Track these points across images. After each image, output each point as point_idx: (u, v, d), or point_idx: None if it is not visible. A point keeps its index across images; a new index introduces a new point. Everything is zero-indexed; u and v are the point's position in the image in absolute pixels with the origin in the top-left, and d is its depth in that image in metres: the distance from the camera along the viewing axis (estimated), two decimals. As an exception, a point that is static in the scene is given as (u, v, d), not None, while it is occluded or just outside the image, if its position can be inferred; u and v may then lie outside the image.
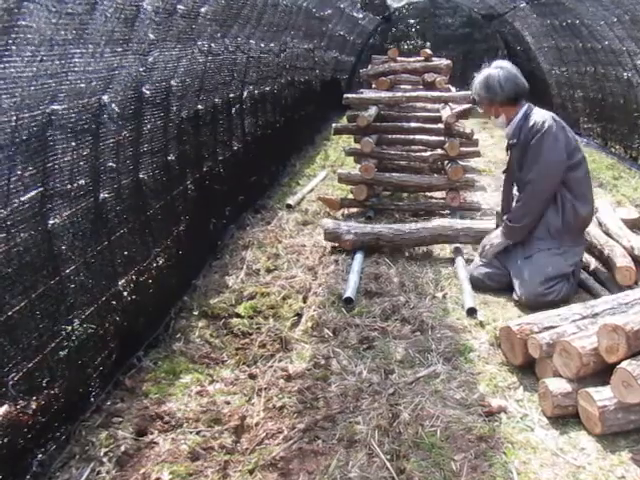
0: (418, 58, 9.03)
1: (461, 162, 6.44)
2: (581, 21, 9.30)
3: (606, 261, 4.23)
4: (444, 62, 8.55)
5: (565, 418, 2.86)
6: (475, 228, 4.87)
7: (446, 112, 6.46)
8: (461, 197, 6.14)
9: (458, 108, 6.41)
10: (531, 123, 4.13)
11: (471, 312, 3.92)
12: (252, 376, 3.30)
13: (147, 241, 3.71)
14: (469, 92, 6.80)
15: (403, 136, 6.95)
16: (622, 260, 4.02)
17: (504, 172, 4.57)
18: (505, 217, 4.29)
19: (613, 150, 9.23)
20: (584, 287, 4.17)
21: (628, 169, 8.11)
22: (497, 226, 4.49)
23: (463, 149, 6.35)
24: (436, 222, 5.03)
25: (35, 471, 2.49)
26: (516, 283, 4.08)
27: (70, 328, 2.79)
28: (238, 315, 3.96)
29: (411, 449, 2.69)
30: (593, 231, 4.51)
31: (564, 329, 3.18)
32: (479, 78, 4.32)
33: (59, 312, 2.74)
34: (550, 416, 2.88)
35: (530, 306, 3.92)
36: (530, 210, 4.11)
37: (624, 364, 2.70)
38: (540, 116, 4.15)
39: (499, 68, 4.27)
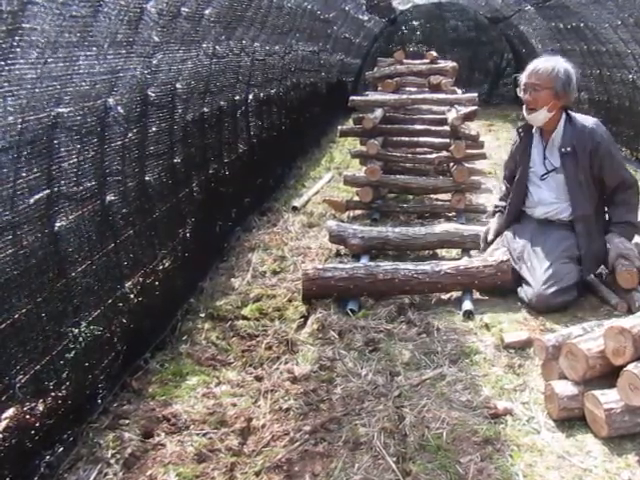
0: (424, 60, 9.01)
1: (467, 164, 6.43)
2: (586, 24, 9.29)
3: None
4: (450, 64, 8.54)
5: (571, 421, 2.85)
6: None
7: (452, 114, 6.46)
8: (467, 199, 6.14)
9: (464, 110, 6.40)
10: (583, 130, 4.08)
11: (467, 314, 3.92)
12: (258, 378, 3.30)
13: (153, 243, 3.71)
14: (475, 94, 6.87)
15: (409, 138, 6.95)
16: (623, 263, 3.97)
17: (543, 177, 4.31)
18: (624, 221, 4.13)
19: (619, 152, 9.21)
20: (591, 290, 4.15)
21: (634, 171, 8.07)
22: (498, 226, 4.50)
23: (469, 151, 6.33)
24: (443, 227, 5.01)
25: (43, 473, 2.50)
26: (528, 287, 4.02)
27: (77, 330, 2.80)
28: (244, 317, 3.97)
29: (417, 451, 2.68)
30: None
31: (570, 331, 3.18)
32: (560, 66, 4.07)
33: (66, 314, 2.74)
34: (556, 419, 2.87)
35: (538, 310, 3.90)
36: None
37: (631, 367, 2.69)
38: (589, 121, 4.14)
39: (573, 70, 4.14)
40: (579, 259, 4.06)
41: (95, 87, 2.89)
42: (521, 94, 4.23)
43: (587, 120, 4.16)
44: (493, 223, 4.64)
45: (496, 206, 4.80)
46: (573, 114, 4.18)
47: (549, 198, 4.25)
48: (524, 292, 4.06)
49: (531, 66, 4.16)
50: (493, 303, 4.11)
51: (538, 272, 3.99)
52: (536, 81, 4.09)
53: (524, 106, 4.20)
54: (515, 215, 4.44)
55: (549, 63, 4.10)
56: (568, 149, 4.11)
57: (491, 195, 6.67)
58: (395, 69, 8.59)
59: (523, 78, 4.18)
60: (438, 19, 18.67)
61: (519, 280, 4.16)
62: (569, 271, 3.98)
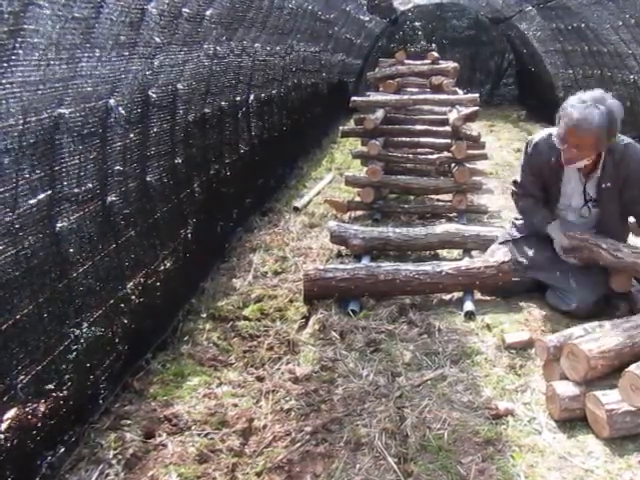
0: (425, 61, 9.01)
1: (468, 165, 6.44)
2: (587, 25, 9.29)
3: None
4: (451, 65, 8.53)
5: (573, 421, 2.86)
6: (483, 235, 4.86)
7: (453, 115, 6.46)
8: (468, 200, 6.14)
9: (465, 111, 6.40)
10: (621, 160, 3.80)
11: (469, 315, 3.92)
12: (259, 378, 3.31)
13: (155, 244, 3.71)
14: (476, 95, 6.88)
15: (410, 139, 6.95)
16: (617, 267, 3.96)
17: (514, 184, 4.34)
18: None
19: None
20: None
21: (636, 171, 8.07)
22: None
23: (470, 152, 6.34)
24: (444, 228, 5.01)
25: (45, 473, 2.50)
26: (564, 295, 3.95)
27: (78, 331, 2.80)
28: (245, 318, 3.97)
29: (418, 452, 2.69)
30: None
31: (571, 332, 3.18)
32: (603, 120, 3.58)
33: (67, 315, 2.75)
34: (557, 419, 2.87)
35: (582, 315, 3.79)
36: None
37: (632, 367, 2.70)
38: (624, 147, 3.83)
39: (615, 106, 3.69)
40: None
41: (97, 88, 2.89)
42: (558, 144, 3.77)
43: (622, 147, 3.83)
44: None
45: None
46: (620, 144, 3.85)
47: (577, 223, 4.11)
48: (559, 299, 3.99)
49: (570, 120, 3.63)
50: (494, 304, 4.11)
51: (582, 282, 3.94)
52: (578, 141, 3.65)
53: (562, 153, 3.80)
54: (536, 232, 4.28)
55: (589, 117, 3.57)
56: (608, 184, 3.88)
57: (492, 195, 6.67)
58: (396, 70, 8.59)
59: (561, 131, 3.71)
60: (439, 19, 18.69)
61: (528, 285, 4.18)
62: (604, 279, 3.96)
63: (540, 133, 4.19)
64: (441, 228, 5.01)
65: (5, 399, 2.30)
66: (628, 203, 3.94)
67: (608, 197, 3.93)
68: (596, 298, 3.88)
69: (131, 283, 3.36)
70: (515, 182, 4.40)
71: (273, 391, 3.17)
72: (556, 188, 4.10)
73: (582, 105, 3.62)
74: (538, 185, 4.19)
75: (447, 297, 4.24)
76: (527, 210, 4.33)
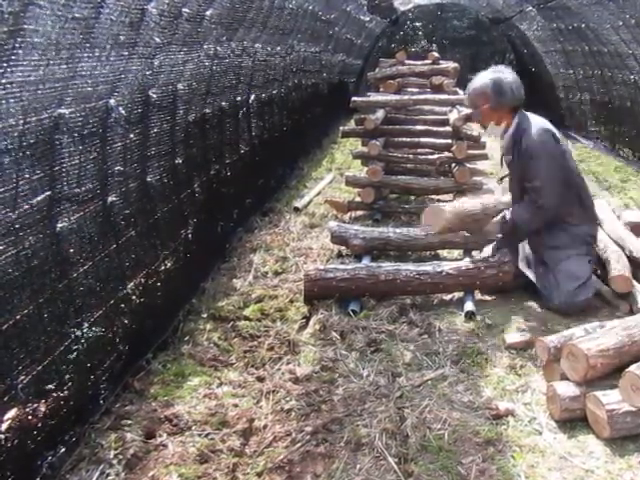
0: (425, 61, 8.99)
1: (468, 165, 6.43)
2: (587, 25, 9.29)
3: (605, 266, 4.19)
4: (451, 65, 8.51)
5: (573, 422, 2.85)
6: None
7: (453, 115, 6.46)
8: (468, 200, 6.13)
9: (465, 111, 6.39)
10: (525, 144, 4.00)
11: (469, 315, 3.92)
12: (260, 379, 3.31)
13: (155, 244, 3.72)
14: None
15: (410, 139, 6.95)
16: (616, 268, 3.97)
17: (500, 181, 4.56)
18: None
19: (621, 153, 9.20)
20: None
21: (636, 172, 8.08)
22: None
23: (470, 152, 6.34)
24: None
25: (45, 473, 2.50)
26: (550, 291, 4.00)
27: (79, 331, 2.80)
28: (246, 318, 3.97)
29: (418, 452, 2.68)
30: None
31: (572, 332, 3.18)
32: (485, 81, 4.11)
33: (68, 315, 2.75)
34: (558, 419, 2.87)
35: (567, 311, 3.87)
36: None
37: (633, 367, 2.69)
38: (535, 134, 3.99)
39: (506, 72, 4.16)
40: None
41: (97, 88, 2.89)
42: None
43: (532, 127, 4.04)
44: None
45: None
46: (527, 121, 4.10)
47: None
48: (545, 298, 4.04)
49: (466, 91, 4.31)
50: (495, 304, 4.11)
51: (557, 279, 3.98)
52: (470, 103, 4.34)
53: None
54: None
55: (474, 82, 4.19)
56: (510, 157, 4.21)
57: (493, 196, 6.65)
58: (397, 70, 8.57)
59: None
60: (440, 20, 18.71)
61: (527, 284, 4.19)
62: (576, 266, 3.98)
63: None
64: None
65: (6, 399, 2.30)
66: (520, 180, 4.15)
67: (512, 170, 4.26)
68: (580, 294, 3.90)
69: (132, 283, 3.36)
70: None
71: (273, 391, 3.16)
72: None
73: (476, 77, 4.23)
74: None
75: (448, 297, 4.23)
76: None
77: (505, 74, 4.14)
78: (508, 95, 4.08)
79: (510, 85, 4.08)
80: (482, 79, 4.16)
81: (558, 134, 4.12)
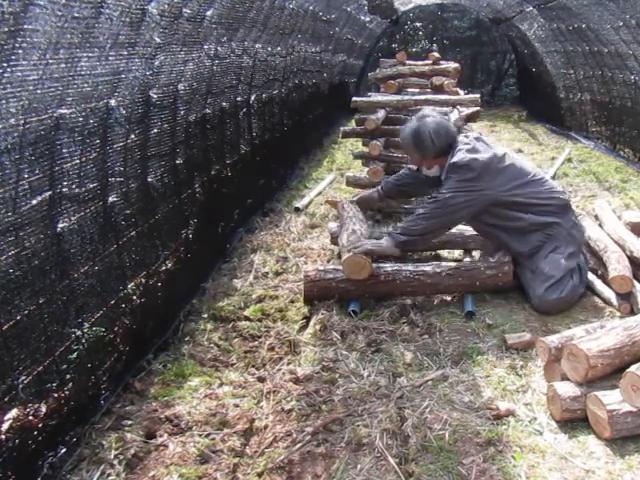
0: (426, 61, 9.01)
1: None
2: (587, 25, 9.29)
3: (605, 266, 4.20)
4: (452, 65, 8.52)
5: (574, 422, 2.85)
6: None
7: (454, 115, 6.45)
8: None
9: (466, 111, 6.39)
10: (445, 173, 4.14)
11: (470, 315, 3.92)
12: (260, 379, 3.31)
13: (156, 244, 3.72)
14: (477, 95, 6.87)
15: (411, 139, 6.94)
16: (616, 268, 3.98)
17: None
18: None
19: (621, 153, 9.20)
20: (593, 290, 4.16)
21: (637, 172, 8.07)
22: None
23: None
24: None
25: (46, 474, 2.50)
26: (528, 293, 4.08)
27: (79, 331, 2.80)
28: (247, 318, 3.97)
29: (419, 453, 2.68)
30: (594, 235, 4.49)
31: (573, 332, 3.18)
32: (406, 134, 4.24)
33: (68, 315, 2.75)
34: (559, 420, 2.87)
35: (544, 311, 3.92)
36: None
37: (633, 368, 2.69)
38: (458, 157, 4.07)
39: (428, 121, 4.19)
40: None
41: (97, 88, 2.89)
42: None
43: (457, 150, 4.13)
44: None
45: None
46: (460, 143, 4.17)
47: None
48: (528, 296, 4.10)
49: None
50: (495, 304, 4.11)
51: (532, 279, 4.07)
52: (404, 152, 4.81)
53: None
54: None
55: (402, 133, 4.33)
56: (443, 177, 4.22)
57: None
58: (397, 70, 8.58)
59: None
60: (440, 20, 18.67)
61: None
62: (545, 264, 4.03)
63: None
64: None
65: (7, 399, 2.30)
66: None
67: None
68: (551, 293, 3.92)
69: (132, 283, 3.36)
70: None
71: (274, 391, 3.17)
72: None
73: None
74: None
75: (448, 297, 4.23)
76: None
77: (426, 125, 4.18)
78: (428, 146, 4.16)
79: (430, 136, 4.14)
80: (406, 131, 4.27)
81: (480, 156, 4.08)
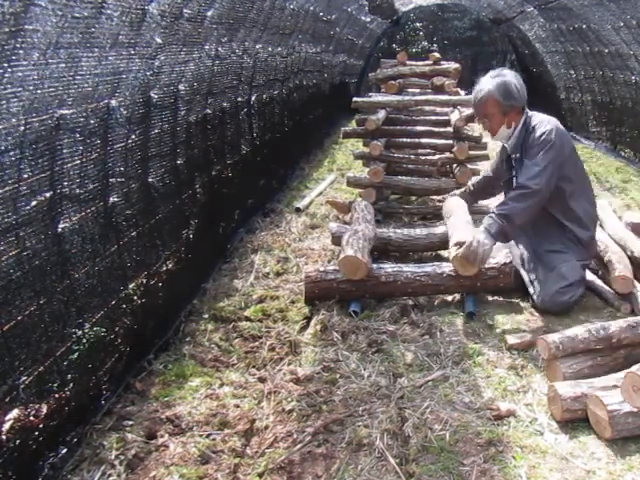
0: (427, 62, 9.01)
1: (469, 165, 6.42)
2: (588, 26, 9.30)
3: (606, 267, 4.20)
4: (453, 65, 8.52)
5: (574, 422, 2.85)
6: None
7: (455, 115, 6.46)
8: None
9: (467, 111, 6.40)
10: (531, 133, 4.02)
11: (470, 316, 3.92)
12: (261, 379, 3.31)
13: (156, 245, 3.72)
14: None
15: (411, 140, 6.95)
16: (617, 268, 3.97)
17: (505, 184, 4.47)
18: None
19: (622, 153, 9.20)
20: (593, 290, 4.15)
21: (637, 172, 8.07)
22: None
23: (472, 152, 6.33)
24: (446, 228, 5.00)
25: (47, 474, 2.50)
26: (535, 289, 4.02)
27: (80, 332, 2.80)
28: (247, 318, 3.97)
29: (420, 453, 2.68)
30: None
31: (575, 332, 3.17)
32: (490, 87, 4.03)
33: (69, 316, 2.75)
34: (559, 420, 2.87)
35: (546, 309, 3.91)
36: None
37: (634, 368, 2.69)
38: (541, 123, 4.03)
39: (507, 73, 4.10)
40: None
41: (98, 89, 2.89)
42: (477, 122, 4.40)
43: (540, 122, 4.05)
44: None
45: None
46: (533, 117, 4.12)
47: None
48: (530, 296, 4.07)
49: (472, 97, 4.28)
50: (496, 304, 4.11)
51: (545, 277, 3.99)
52: (478, 112, 4.24)
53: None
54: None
55: (479, 91, 4.11)
56: (517, 155, 4.16)
57: (493, 197, 6.65)
58: (398, 70, 8.58)
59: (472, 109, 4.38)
60: (441, 20, 18.70)
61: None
62: (568, 269, 3.97)
63: None
64: (442, 229, 4.99)
65: (7, 400, 2.30)
66: None
67: (517, 169, 4.17)
68: (565, 293, 3.89)
69: (133, 284, 3.36)
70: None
71: (275, 392, 3.16)
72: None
73: (479, 82, 4.17)
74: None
75: (449, 298, 4.23)
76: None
77: (507, 76, 4.08)
78: (516, 96, 4.04)
79: (515, 85, 4.04)
80: (486, 86, 4.07)
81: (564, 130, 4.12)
